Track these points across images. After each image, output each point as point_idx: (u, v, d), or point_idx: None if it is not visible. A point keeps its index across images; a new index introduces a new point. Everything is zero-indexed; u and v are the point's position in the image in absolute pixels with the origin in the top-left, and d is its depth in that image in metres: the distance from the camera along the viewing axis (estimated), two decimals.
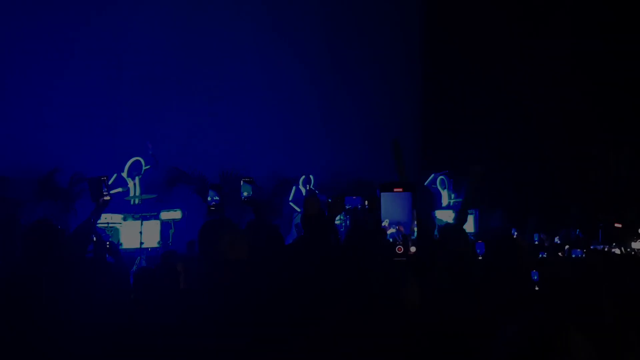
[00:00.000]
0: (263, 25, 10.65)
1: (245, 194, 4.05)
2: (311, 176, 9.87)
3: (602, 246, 6.24)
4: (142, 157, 8.46)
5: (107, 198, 3.77)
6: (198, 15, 10.10)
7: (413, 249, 2.16)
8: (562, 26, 10.19)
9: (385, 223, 2.19)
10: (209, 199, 4.06)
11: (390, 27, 11.62)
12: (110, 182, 4.62)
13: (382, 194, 2.26)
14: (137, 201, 8.24)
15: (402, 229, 2.16)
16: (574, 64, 10.06)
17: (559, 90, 10.29)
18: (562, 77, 10.25)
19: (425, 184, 9.80)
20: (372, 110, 11.37)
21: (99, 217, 3.87)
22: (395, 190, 2.28)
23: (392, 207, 2.25)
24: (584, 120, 10.14)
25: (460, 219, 4.44)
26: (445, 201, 9.97)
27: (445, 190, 10.02)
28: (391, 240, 2.20)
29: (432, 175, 10.03)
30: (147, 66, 9.56)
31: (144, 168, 8.44)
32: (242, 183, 4.10)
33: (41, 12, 8.73)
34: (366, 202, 2.76)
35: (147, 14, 9.56)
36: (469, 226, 8.77)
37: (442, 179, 10.08)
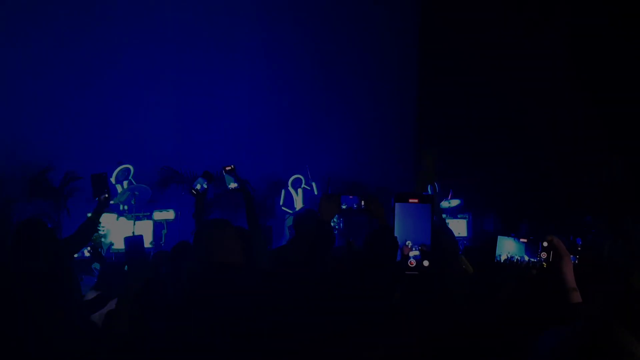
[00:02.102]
0: (256, 25, 10.63)
1: (231, 185, 3.87)
2: (302, 177, 9.84)
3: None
4: (130, 164, 8.44)
5: (107, 196, 3.76)
6: (191, 15, 10.08)
7: (426, 263, 2.08)
8: (559, 31, 10.22)
9: (407, 244, 2.08)
10: (197, 186, 3.91)
11: (386, 29, 11.62)
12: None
13: (396, 204, 2.14)
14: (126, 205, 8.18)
15: (425, 249, 2.04)
16: (570, 70, 10.09)
17: (556, 96, 10.32)
18: (558, 84, 10.27)
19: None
20: (366, 112, 11.36)
21: (101, 215, 3.86)
22: (410, 201, 2.17)
23: (406, 220, 2.14)
24: (579, 126, 10.17)
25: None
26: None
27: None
28: (414, 262, 2.08)
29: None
30: (140, 65, 9.52)
31: (132, 173, 8.43)
32: (224, 173, 3.91)
33: (32, 11, 8.68)
34: (362, 202, 2.70)
35: (139, 13, 9.53)
36: (462, 230, 8.78)
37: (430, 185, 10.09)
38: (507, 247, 2.34)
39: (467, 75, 10.87)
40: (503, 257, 2.30)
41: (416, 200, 2.12)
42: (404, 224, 2.10)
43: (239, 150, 9.99)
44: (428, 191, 9.93)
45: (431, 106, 11.77)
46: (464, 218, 9.00)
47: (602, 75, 9.67)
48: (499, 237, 2.36)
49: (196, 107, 10.03)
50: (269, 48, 10.72)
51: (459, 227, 8.65)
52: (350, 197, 2.60)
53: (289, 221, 8.73)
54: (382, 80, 11.58)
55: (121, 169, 8.33)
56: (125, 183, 8.33)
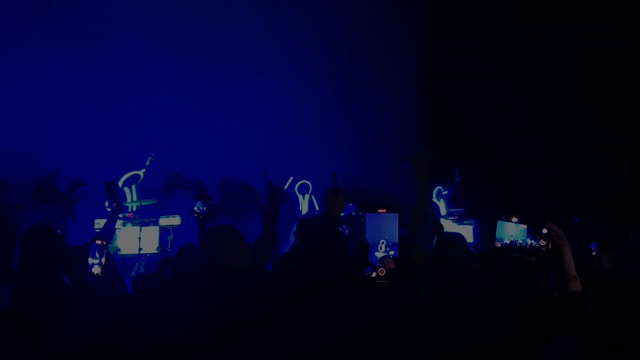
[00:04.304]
0: (261, 31, 10.67)
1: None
2: (309, 183, 9.87)
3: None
4: (138, 170, 8.48)
5: (118, 203, 3.81)
6: (196, 23, 10.13)
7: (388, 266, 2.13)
8: (564, 35, 10.19)
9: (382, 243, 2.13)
10: (195, 208, 4.02)
11: (391, 35, 11.64)
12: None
13: (365, 214, 2.22)
14: (134, 208, 8.22)
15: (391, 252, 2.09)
16: (576, 75, 10.05)
17: (560, 101, 10.29)
18: (563, 88, 10.25)
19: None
20: (371, 118, 11.37)
21: (115, 221, 3.89)
22: (379, 211, 2.24)
23: (376, 228, 2.21)
24: (583, 131, 10.14)
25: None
26: (443, 211, 9.95)
27: (442, 200, 10.00)
28: (384, 271, 2.11)
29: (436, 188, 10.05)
30: (146, 72, 9.57)
31: (141, 179, 8.47)
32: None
33: (38, 19, 8.75)
34: (360, 211, 2.72)
35: (145, 20, 9.59)
36: (468, 237, 8.75)
37: (438, 189, 10.07)
38: (509, 231, 2.33)
39: (472, 80, 10.86)
40: (506, 241, 2.29)
41: (384, 210, 2.18)
42: (372, 232, 2.16)
43: (244, 155, 10.02)
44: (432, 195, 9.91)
45: (436, 111, 11.76)
46: (470, 224, 8.97)
47: (609, 79, 9.64)
48: (498, 221, 2.36)
49: (201, 112, 10.06)
50: (274, 55, 10.75)
51: (465, 233, 8.62)
52: (350, 204, 2.62)
53: (295, 227, 8.72)
54: (386, 85, 11.59)
55: (130, 176, 8.38)
56: (133, 187, 8.37)
